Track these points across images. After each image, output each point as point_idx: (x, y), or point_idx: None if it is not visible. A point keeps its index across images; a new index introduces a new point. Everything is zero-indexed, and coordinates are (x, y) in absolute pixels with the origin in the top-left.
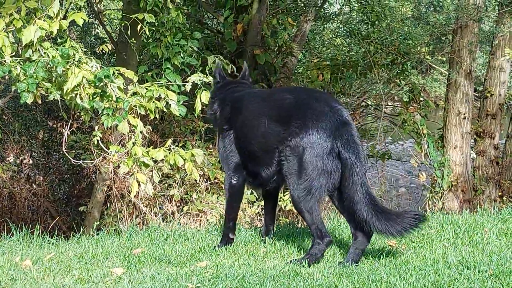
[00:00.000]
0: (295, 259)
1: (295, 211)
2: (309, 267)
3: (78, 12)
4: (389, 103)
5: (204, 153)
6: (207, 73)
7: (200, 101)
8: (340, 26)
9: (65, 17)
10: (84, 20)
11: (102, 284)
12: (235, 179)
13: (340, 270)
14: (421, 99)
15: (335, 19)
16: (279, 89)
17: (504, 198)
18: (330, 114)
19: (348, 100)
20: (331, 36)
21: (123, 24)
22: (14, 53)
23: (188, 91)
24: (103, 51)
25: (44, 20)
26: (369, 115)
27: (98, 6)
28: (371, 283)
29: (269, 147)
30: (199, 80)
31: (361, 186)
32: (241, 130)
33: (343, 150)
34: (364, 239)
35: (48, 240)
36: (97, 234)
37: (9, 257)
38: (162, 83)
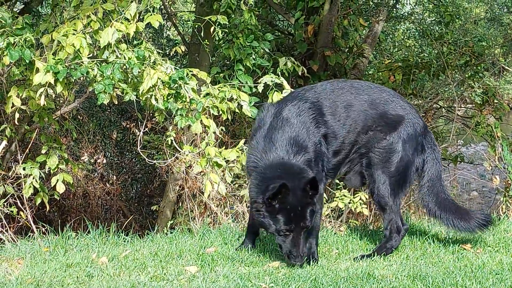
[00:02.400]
0: (366, 255)
1: (365, 212)
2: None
3: (154, 14)
4: (462, 105)
5: None
6: (279, 74)
7: (272, 102)
8: (412, 26)
9: (141, 19)
10: (159, 22)
11: (177, 282)
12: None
13: (414, 273)
14: (495, 101)
15: (407, 19)
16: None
17: None
18: (417, 113)
19: (420, 102)
20: (403, 37)
21: (196, 26)
22: (90, 54)
23: (260, 92)
24: (175, 53)
25: (121, 23)
26: (441, 117)
27: (171, 8)
28: (446, 286)
29: (353, 138)
30: (271, 81)
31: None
32: (335, 125)
33: (429, 150)
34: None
35: (124, 238)
36: (171, 232)
37: (86, 254)
38: (234, 84)
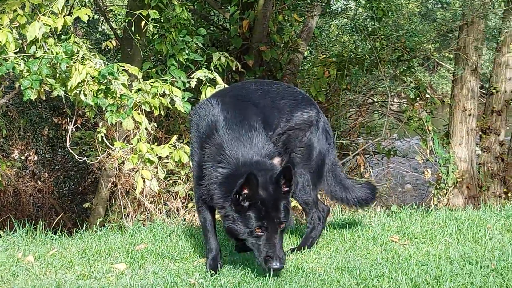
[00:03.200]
0: (296, 248)
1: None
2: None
3: (83, 8)
4: (395, 100)
5: None
6: (212, 69)
7: (205, 97)
8: (347, 22)
9: (70, 13)
10: (89, 17)
11: (104, 279)
12: None
13: (343, 265)
14: (427, 96)
15: (341, 15)
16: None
17: (509, 194)
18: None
19: (354, 96)
20: (337, 32)
21: (127, 21)
22: (18, 50)
23: (193, 87)
24: (108, 48)
25: (48, 17)
26: (375, 112)
27: (103, 2)
28: (373, 278)
29: (276, 140)
30: (204, 77)
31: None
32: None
33: (331, 134)
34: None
35: (51, 236)
36: (100, 230)
37: (12, 253)
38: (167, 80)
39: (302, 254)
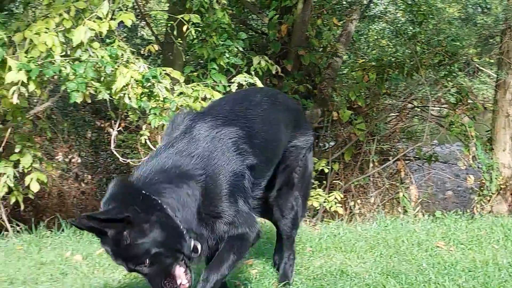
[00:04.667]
0: None
1: (339, 211)
2: None
3: (126, 13)
4: (436, 105)
5: None
6: (252, 73)
7: None
8: (386, 26)
9: (112, 18)
10: (132, 21)
11: None
12: None
13: (387, 270)
14: (469, 101)
15: (381, 19)
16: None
17: None
18: None
19: (394, 101)
20: (376, 36)
21: (169, 25)
22: (63, 53)
23: (234, 91)
24: (149, 52)
25: (93, 21)
26: (415, 117)
27: (145, 7)
28: (419, 283)
29: None
30: (244, 81)
31: None
32: None
33: None
34: None
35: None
36: None
37: (60, 252)
38: (208, 84)
39: (346, 258)
